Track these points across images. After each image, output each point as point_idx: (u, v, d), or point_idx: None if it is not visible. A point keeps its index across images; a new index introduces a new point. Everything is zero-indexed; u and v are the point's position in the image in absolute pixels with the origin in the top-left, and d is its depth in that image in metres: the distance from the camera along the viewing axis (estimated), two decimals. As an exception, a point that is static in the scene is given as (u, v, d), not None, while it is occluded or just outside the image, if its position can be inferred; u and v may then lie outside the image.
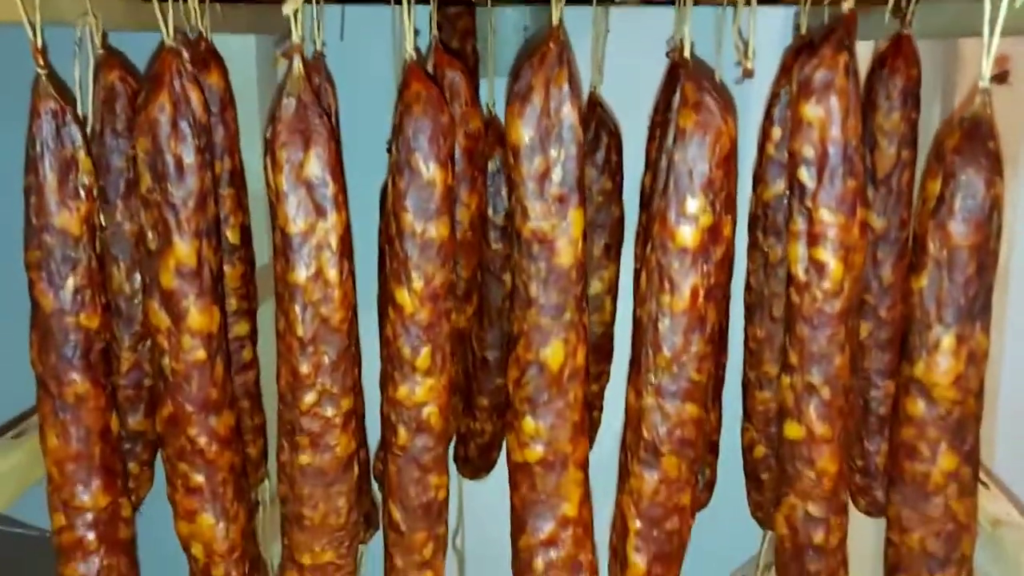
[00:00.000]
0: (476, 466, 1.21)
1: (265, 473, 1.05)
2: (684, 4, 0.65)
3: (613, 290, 1.13)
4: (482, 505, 1.20)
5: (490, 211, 1.07)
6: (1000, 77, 0.62)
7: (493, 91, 1.10)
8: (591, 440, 1.16)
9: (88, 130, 0.86)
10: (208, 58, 0.89)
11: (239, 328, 0.96)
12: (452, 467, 1.12)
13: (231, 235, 0.93)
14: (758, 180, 0.88)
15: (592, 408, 1.16)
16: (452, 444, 1.17)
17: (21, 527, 1.45)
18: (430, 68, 0.88)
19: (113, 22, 0.87)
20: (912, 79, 0.82)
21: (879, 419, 0.89)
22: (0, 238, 0.79)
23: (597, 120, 1.07)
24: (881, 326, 0.87)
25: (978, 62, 0.59)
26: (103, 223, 0.83)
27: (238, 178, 0.93)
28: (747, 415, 0.96)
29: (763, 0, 0.73)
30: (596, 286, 1.11)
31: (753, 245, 0.91)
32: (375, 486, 1.05)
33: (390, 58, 1.18)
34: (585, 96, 1.05)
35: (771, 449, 0.94)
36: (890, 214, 0.85)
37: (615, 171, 1.08)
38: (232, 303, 0.94)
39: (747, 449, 0.96)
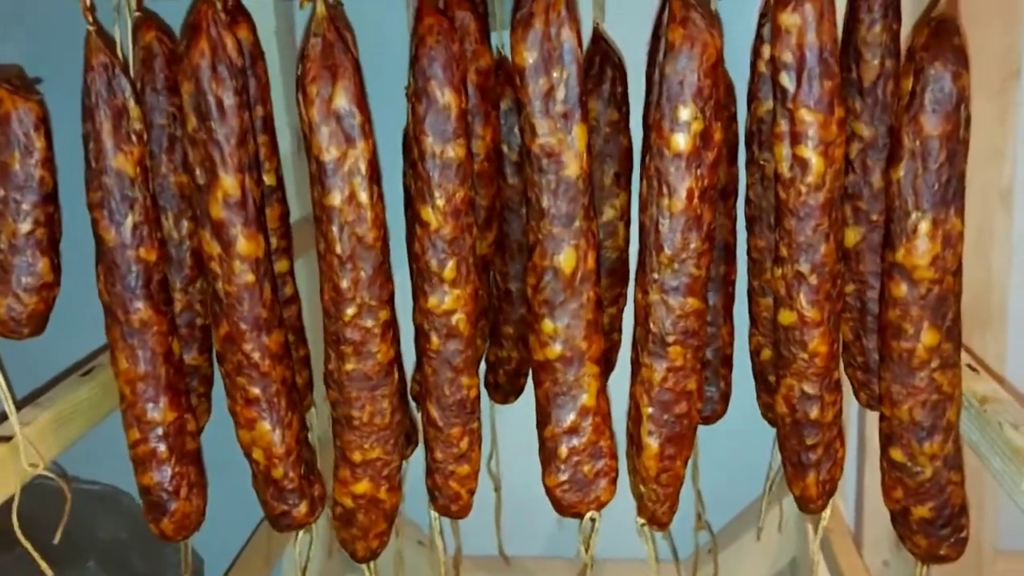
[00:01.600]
0: (506, 391, 1.29)
1: (312, 401, 1.14)
2: (670, -70, 0.71)
3: (625, 216, 1.19)
4: (514, 430, 1.28)
5: (505, 148, 1.13)
6: (963, -22, 0.68)
7: (502, 36, 1.17)
8: (612, 362, 1.23)
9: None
10: (236, 14, 0.96)
11: (280, 265, 1.04)
12: (484, 395, 1.21)
13: (267, 179, 1.01)
14: (752, 97, 0.94)
15: (612, 330, 1.23)
16: (483, 372, 1.25)
17: (78, 482, 1.55)
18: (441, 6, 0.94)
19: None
20: (893, -9, 0.88)
21: (876, 318, 0.95)
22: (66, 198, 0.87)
23: (601, 54, 1.12)
24: (873, 229, 0.93)
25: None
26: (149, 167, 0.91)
27: (271, 125, 1.01)
28: (753, 321, 1.03)
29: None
30: (609, 213, 1.18)
31: (750, 160, 0.97)
32: (414, 408, 1.13)
33: (402, 6, 1.25)
34: (589, 32, 1.10)
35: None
36: (877, 123, 0.91)
37: (621, 102, 1.14)
38: (272, 242, 1.02)
39: (755, 353, 1.03)
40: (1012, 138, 1.39)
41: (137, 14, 0.94)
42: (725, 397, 1.18)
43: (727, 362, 1.16)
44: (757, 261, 0.99)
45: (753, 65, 0.93)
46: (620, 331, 1.28)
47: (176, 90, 0.96)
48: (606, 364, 1.23)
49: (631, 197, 1.19)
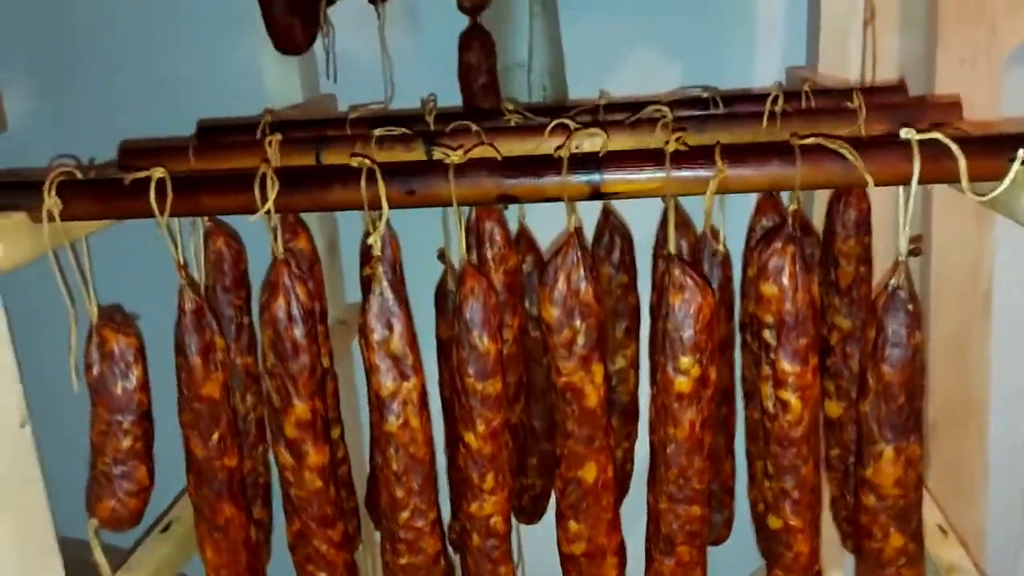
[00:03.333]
0: (530, 514, 1.43)
1: (360, 541, 1.28)
2: (668, 203, 0.85)
3: (635, 364, 1.33)
4: (538, 539, 1.42)
5: (527, 304, 1.27)
6: (915, 252, 0.81)
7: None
8: (626, 488, 1.37)
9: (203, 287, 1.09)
10: (296, 227, 1.11)
11: (333, 432, 1.18)
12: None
13: (324, 361, 1.15)
14: (744, 295, 1.08)
15: (625, 461, 1.37)
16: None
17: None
18: (472, 221, 1.08)
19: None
20: (863, 212, 1.02)
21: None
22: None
23: (611, 227, 1.26)
24: (852, 405, 1.07)
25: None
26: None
27: (325, 316, 1.15)
28: (751, 479, 1.17)
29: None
30: (620, 362, 1.31)
31: (744, 345, 1.11)
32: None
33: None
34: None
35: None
36: (854, 318, 1.05)
37: (628, 267, 1.28)
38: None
39: (753, 505, 1.17)
40: (990, 248, 1.53)
41: (208, 224, 1.08)
42: (728, 523, 1.32)
43: (730, 492, 1.29)
44: (752, 429, 1.13)
45: (744, 270, 1.06)
46: (632, 461, 1.42)
47: (241, 285, 1.12)
48: (619, 491, 1.37)
49: (639, 347, 1.33)
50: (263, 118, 1.24)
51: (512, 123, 1.13)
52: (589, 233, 1.24)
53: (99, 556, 0.97)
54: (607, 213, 1.26)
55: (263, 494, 1.18)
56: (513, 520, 1.43)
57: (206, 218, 1.09)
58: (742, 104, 1.17)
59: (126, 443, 0.95)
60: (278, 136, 1.08)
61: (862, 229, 1.02)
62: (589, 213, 1.23)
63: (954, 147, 0.76)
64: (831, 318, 1.06)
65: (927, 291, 1.52)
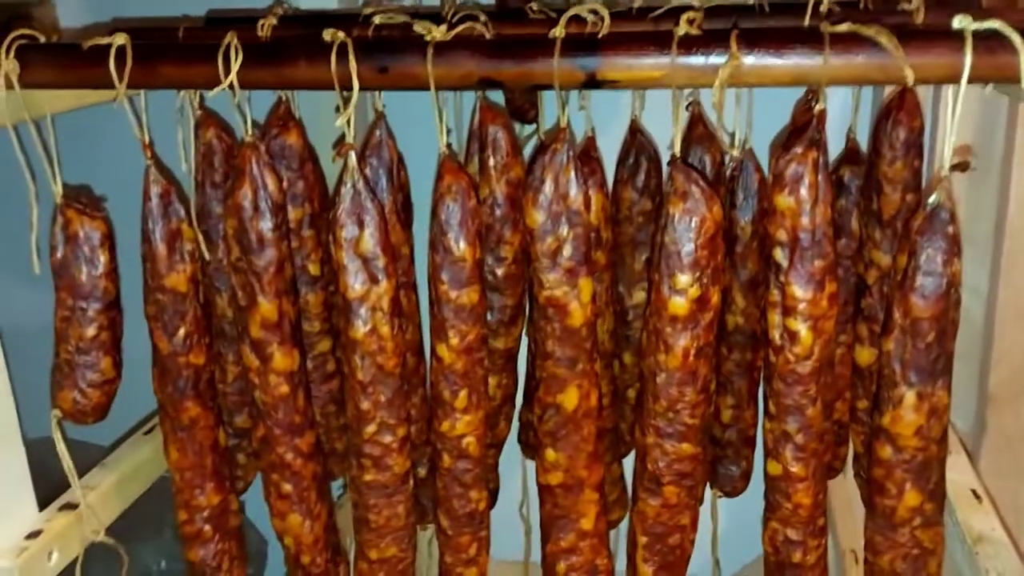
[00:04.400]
0: (536, 449, 1.36)
1: (351, 463, 1.23)
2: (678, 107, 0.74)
3: (656, 298, 1.23)
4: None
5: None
6: (961, 166, 0.69)
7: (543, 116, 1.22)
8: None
9: (192, 181, 1.03)
10: (287, 120, 1.03)
11: (322, 345, 1.12)
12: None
13: (312, 269, 1.08)
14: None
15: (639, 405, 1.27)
16: (517, 430, 1.31)
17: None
18: (476, 124, 0.99)
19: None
20: (915, 130, 0.89)
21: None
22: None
23: (637, 146, 1.15)
24: (886, 353, 0.95)
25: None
26: (207, 257, 1.00)
27: (317, 220, 1.08)
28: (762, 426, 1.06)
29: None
30: (639, 296, 1.21)
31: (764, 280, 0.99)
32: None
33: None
34: (628, 124, 1.14)
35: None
36: (895, 253, 0.92)
37: (655, 193, 1.17)
38: (316, 325, 1.10)
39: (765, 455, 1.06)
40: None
41: (199, 112, 1.02)
42: (746, 475, 1.22)
43: (750, 443, 1.19)
44: (767, 374, 1.02)
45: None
46: (649, 403, 1.33)
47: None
48: (632, 439, 1.28)
49: (663, 280, 1.22)
50: (273, 9, 1.17)
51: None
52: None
53: (61, 448, 0.93)
54: (634, 132, 1.16)
55: (251, 402, 1.13)
56: (520, 455, 1.37)
57: (197, 106, 1.02)
58: (794, 12, 1.04)
59: (90, 332, 0.91)
60: (272, 19, 1.00)
61: (912, 151, 0.89)
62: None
63: (1015, 38, 0.63)
64: (869, 253, 0.94)
65: (1000, 250, 1.38)
